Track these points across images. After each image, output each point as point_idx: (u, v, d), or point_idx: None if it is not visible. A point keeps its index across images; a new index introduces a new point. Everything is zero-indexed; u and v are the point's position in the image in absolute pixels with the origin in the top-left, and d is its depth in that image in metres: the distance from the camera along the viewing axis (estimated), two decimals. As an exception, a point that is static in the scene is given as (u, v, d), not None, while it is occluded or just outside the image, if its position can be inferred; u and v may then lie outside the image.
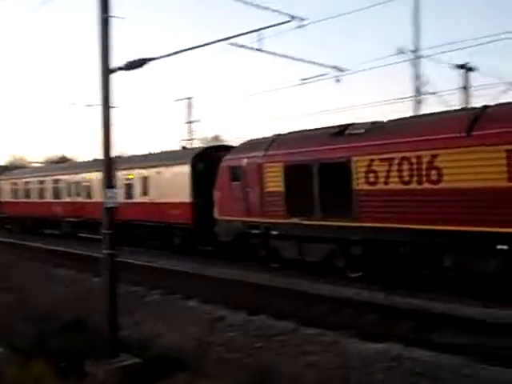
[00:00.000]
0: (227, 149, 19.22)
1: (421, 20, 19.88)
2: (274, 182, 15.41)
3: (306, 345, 8.12)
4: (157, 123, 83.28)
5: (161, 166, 19.87)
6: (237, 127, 65.87)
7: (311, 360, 7.62)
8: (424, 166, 11.85)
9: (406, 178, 12.20)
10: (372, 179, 12.90)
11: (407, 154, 12.14)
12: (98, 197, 20.32)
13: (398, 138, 12.36)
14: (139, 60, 8.57)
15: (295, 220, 14.82)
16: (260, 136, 17.47)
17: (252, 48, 15.35)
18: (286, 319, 9.59)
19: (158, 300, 12.17)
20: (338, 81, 16.57)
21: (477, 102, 17.53)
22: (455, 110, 12.29)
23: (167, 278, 14.47)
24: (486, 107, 11.79)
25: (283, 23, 14.73)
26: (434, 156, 11.68)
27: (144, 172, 20.83)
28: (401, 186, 12.32)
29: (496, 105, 12.06)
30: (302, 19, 14.42)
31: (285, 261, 15.80)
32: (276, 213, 15.38)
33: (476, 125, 11.21)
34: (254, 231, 16.22)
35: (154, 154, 22.89)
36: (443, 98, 20.49)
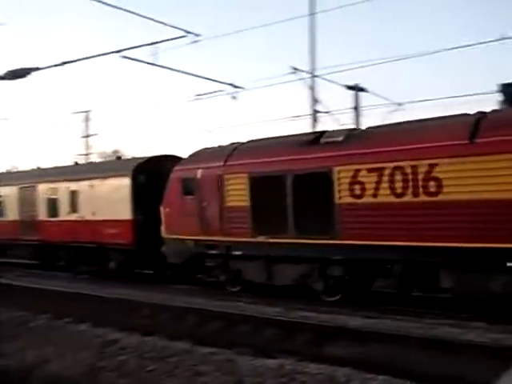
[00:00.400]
0: (172, 159, 17.23)
1: (317, 41, 19.81)
2: (237, 195, 13.66)
3: (200, 365, 7.87)
4: (51, 137, 78.70)
5: (94, 178, 17.34)
6: (137, 141, 62.93)
7: (203, 381, 7.43)
8: (421, 177, 10.72)
9: (400, 190, 11.00)
10: (357, 191, 11.58)
11: (401, 164, 10.96)
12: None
13: (390, 146, 11.17)
14: (22, 69, 7.18)
15: (263, 238, 13.15)
16: (166, 150, 16.34)
17: (146, 62, 14.80)
18: (181, 339, 9.23)
19: (45, 325, 11.01)
20: (234, 98, 16.97)
21: (367, 122, 19.28)
22: (449, 116, 11.37)
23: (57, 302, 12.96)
24: (483, 113, 10.94)
25: (178, 38, 14.20)
26: (433, 165, 10.59)
27: (72, 185, 18.15)
28: (393, 199, 11.09)
29: (494, 111, 11.29)
30: (197, 35, 14.63)
31: (247, 283, 14.07)
32: (239, 230, 13.61)
33: (479, 131, 10.28)
34: (212, 251, 14.33)
35: (85, 164, 20.18)
36: (335, 117, 20.94)
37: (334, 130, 13.07)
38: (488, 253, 9.93)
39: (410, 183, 10.84)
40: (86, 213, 17.70)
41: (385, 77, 51.91)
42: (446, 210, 10.38)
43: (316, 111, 20.18)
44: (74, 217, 18.06)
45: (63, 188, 18.39)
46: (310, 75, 19.67)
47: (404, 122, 12.21)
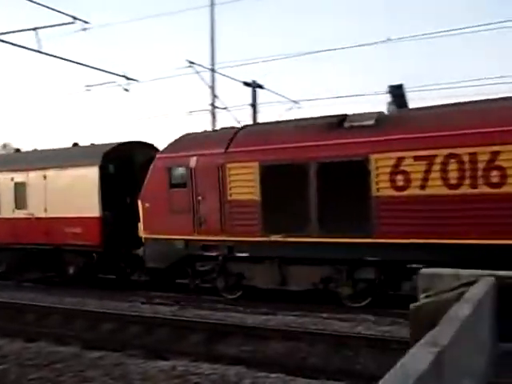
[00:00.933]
0: (144, 146, 14.86)
1: (216, 36, 19.13)
2: (244, 187, 11.68)
3: (87, 370, 7.51)
4: None
5: (51, 167, 14.43)
6: (29, 134, 57.57)
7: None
8: (481, 166, 9.45)
9: (454, 181, 9.68)
10: (401, 183, 10.12)
11: (457, 151, 9.63)
12: None
13: (443, 131, 9.79)
14: None
15: (277, 237, 11.31)
16: (70, 141, 14.59)
17: (29, 48, 13.36)
18: (69, 344, 8.74)
19: None
20: (127, 90, 16.69)
21: (264, 119, 18.87)
22: (498, 99, 10.23)
23: None
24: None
25: (64, 24, 12.98)
26: (496, 153, 9.35)
27: (19, 176, 15.07)
28: (446, 191, 9.75)
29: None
30: (86, 22, 14.12)
31: (248, 289, 12.20)
32: (246, 228, 11.66)
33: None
34: (208, 253, 12.24)
35: (36, 151, 16.95)
36: (233, 113, 20.54)
37: (357, 114, 11.46)
38: None
39: (468, 173, 9.54)
40: (36, 209, 14.75)
41: (282, 74, 52.20)
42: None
43: (214, 107, 19.46)
44: (20, 214, 15.01)
45: (5, 180, 15.25)
46: (206, 69, 19.08)
47: (450, 105, 10.78)
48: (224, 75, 19.25)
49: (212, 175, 12.00)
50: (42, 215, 14.59)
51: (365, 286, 10.85)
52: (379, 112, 11.39)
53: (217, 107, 19.31)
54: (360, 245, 10.42)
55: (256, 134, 12.03)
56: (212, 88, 19.11)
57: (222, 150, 11.98)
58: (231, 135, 12.29)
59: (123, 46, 71.91)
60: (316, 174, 10.89)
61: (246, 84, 20.34)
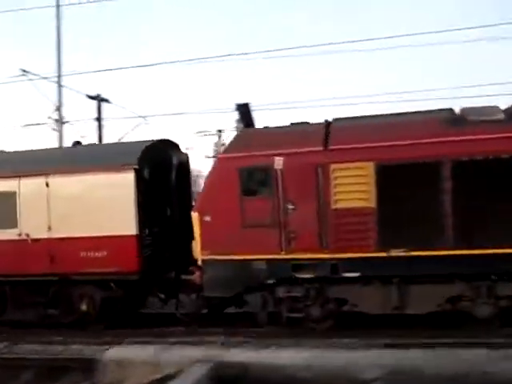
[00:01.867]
0: (172, 145, 12.07)
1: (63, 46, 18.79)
2: (355, 192, 9.60)
3: None
4: None
5: (54, 173, 10.87)
6: None
7: None
8: None
9: None
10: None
11: None
12: None
13: None
14: None
15: (398, 251, 9.39)
16: None
17: None
18: None
19: None
20: None
21: (112, 134, 18.50)
22: None
23: None
24: None
25: None
26: None
27: (3, 185, 11.23)
28: None
29: None
30: None
31: (343, 317, 10.10)
32: (357, 243, 9.58)
33: None
34: (303, 275, 9.89)
35: (30, 152, 12.72)
36: (77, 127, 21.27)
37: (473, 108, 10.08)
38: None
39: None
40: (32, 228, 11.09)
41: (130, 88, 51.15)
42: None
43: (57, 120, 18.80)
44: (9, 235, 11.16)
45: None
46: (43, 79, 18.41)
47: None
48: (66, 87, 18.62)
49: (308, 178, 9.73)
50: (43, 236, 10.98)
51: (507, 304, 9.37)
52: (495, 106, 10.10)
53: (59, 120, 18.43)
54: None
55: (363, 128, 10.01)
56: (59, 100, 18.19)
57: (321, 148, 9.80)
58: (322, 129, 10.15)
59: None
60: (451, 173, 9.22)
61: (91, 97, 19.66)
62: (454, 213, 9.21)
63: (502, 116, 9.52)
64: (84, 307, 11.10)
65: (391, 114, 10.52)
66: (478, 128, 9.33)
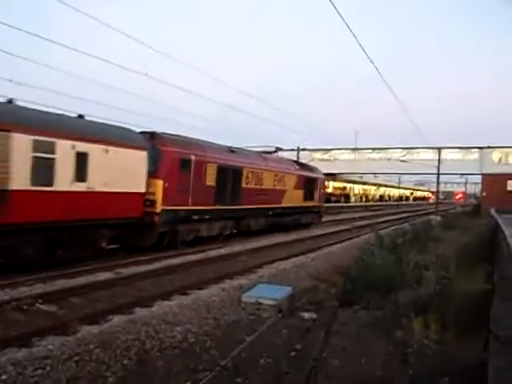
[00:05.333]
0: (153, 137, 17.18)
1: None
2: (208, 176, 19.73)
3: None
4: None
5: (110, 143, 14.12)
6: None
7: None
8: None
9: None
10: None
11: None
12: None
13: None
14: None
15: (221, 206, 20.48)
16: None
17: None
18: None
19: None
20: None
21: None
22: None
23: None
24: None
25: None
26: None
27: (81, 146, 12.68)
28: None
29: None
30: None
31: None
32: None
33: None
34: (195, 217, 18.88)
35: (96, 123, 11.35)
36: None
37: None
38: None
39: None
40: (98, 183, 13.82)
41: None
42: None
43: None
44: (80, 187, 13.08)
45: (63, 146, 12.34)
46: None
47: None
48: None
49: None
50: (103, 189, 14.04)
51: None
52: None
53: None
54: None
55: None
56: None
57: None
58: None
59: None
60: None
61: None
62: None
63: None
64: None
65: None
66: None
